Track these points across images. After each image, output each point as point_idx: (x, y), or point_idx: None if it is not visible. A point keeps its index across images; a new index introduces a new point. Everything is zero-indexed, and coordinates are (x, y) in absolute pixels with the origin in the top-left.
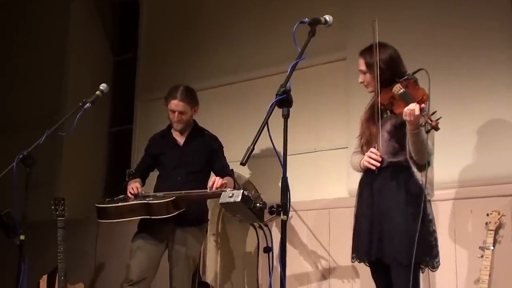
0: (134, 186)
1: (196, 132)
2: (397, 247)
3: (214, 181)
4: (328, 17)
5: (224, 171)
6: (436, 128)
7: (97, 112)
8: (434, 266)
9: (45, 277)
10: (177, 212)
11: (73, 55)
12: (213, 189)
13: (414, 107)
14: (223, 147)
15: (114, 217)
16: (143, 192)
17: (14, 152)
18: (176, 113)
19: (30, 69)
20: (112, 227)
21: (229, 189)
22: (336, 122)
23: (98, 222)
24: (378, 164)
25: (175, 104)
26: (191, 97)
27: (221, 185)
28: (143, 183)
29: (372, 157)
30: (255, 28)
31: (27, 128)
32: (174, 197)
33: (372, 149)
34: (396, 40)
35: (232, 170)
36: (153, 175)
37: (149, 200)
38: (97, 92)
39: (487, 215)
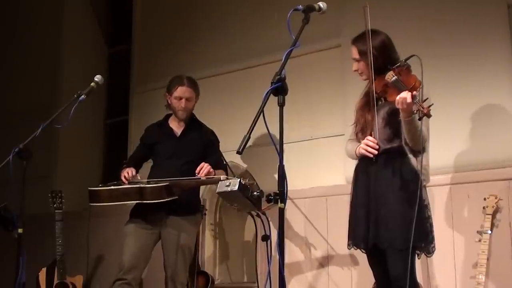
0: (128, 170)
1: (194, 124)
2: (393, 233)
3: (202, 167)
4: (322, 4)
5: (218, 165)
6: (428, 115)
7: (92, 104)
8: (429, 252)
9: (44, 270)
10: (169, 199)
11: (67, 47)
12: (200, 175)
13: (406, 95)
14: (219, 141)
15: (106, 200)
16: (138, 177)
17: (10, 145)
18: (183, 100)
19: (24, 62)
20: (109, 217)
21: (223, 176)
22: (332, 110)
23: (89, 206)
24: (376, 152)
25: (183, 90)
26: (196, 85)
27: (209, 172)
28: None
29: (370, 145)
30: (250, 16)
31: (22, 120)
32: (167, 183)
33: (369, 137)
34: (389, 26)
35: (226, 164)
36: (146, 166)
37: (142, 185)
38: (92, 84)
39: (484, 199)
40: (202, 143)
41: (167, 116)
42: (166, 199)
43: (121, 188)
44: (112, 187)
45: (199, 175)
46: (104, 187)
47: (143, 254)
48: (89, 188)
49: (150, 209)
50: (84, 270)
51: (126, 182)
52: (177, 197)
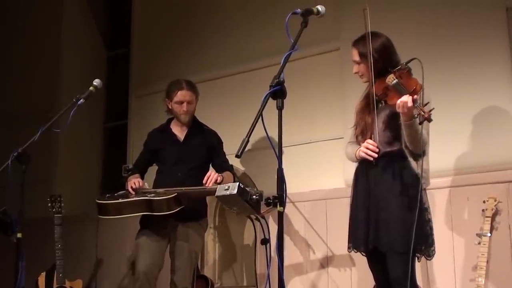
0: (135, 181)
1: (196, 128)
2: (393, 236)
3: (209, 176)
4: (320, 8)
5: (224, 166)
6: (428, 119)
7: (91, 108)
8: (429, 255)
9: (43, 274)
10: (178, 209)
11: (66, 51)
12: (208, 185)
13: (407, 99)
14: (222, 142)
15: (115, 213)
16: (146, 185)
17: (9, 149)
18: (185, 103)
19: (23, 66)
20: (110, 222)
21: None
22: (332, 113)
23: (98, 218)
24: (376, 155)
25: (183, 94)
26: (195, 87)
27: (216, 180)
28: (142, 179)
29: (370, 148)
30: (249, 20)
31: (21, 124)
32: (175, 194)
33: (369, 140)
34: (389, 29)
35: (232, 166)
36: (152, 170)
37: (150, 197)
38: (91, 88)
39: (484, 202)
40: (206, 147)
41: (169, 121)
42: (175, 210)
43: (129, 201)
44: (120, 200)
45: (206, 185)
46: (111, 199)
47: (156, 262)
48: (98, 201)
49: (158, 218)
50: (84, 274)
51: (133, 193)
52: (184, 205)
